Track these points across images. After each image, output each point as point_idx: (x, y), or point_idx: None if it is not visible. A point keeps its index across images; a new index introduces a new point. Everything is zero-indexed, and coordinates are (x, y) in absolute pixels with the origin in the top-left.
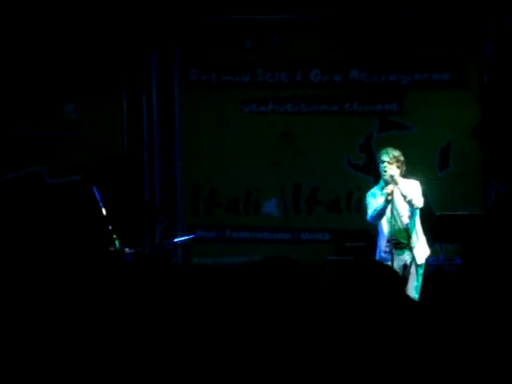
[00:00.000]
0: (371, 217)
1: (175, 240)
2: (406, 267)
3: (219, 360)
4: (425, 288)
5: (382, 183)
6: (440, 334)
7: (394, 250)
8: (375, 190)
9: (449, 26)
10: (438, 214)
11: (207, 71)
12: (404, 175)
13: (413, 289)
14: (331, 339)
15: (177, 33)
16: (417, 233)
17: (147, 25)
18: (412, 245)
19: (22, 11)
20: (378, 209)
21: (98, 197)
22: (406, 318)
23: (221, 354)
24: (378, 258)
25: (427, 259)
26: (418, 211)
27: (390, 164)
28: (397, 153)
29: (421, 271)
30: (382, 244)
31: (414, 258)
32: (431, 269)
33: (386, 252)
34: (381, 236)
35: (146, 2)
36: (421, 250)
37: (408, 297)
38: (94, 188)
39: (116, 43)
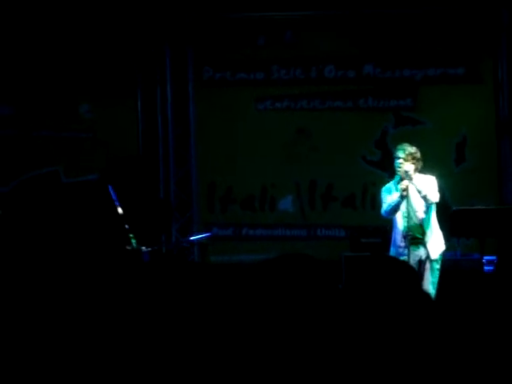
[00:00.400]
0: (385, 211)
1: (191, 238)
2: (421, 262)
3: (235, 358)
4: (442, 283)
5: (397, 178)
6: (457, 331)
7: (409, 246)
8: (390, 184)
9: (463, 20)
10: (454, 208)
11: (221, 69)
12: (420, 171)
13: (429, 284)
14: (347, 337)
15: (190, 31)
16: (432, 228)
17: (161, 23)
18: (426, 239)
19: (36, 15)
20: (393, 204)
21: (113, 196)
22: (422, 314)
23: (236, 352)
24: (393, 253)
25: (444, 254)
26: (433, 206)
27: (406, 161)
28: (413, 149)
29: (437, 266)
30: (398, 239)
31: (428, 254)
32: (448, 264)
33: (401, 247)
34: (396, 231)
35: (159, 0)
36: (435, 244)
37: (425, 292)
38: (110, 187)
39: (130, 42)
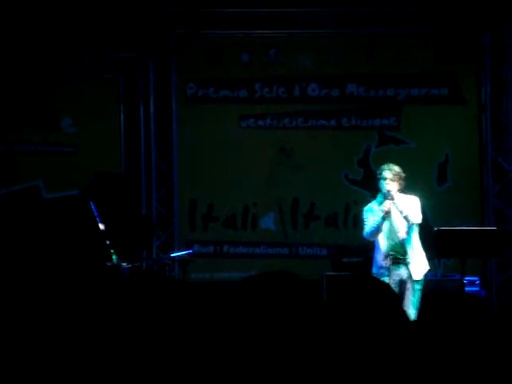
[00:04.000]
0: (367, 233)
1: (172, 255)
2: (402, 282)
3: (216, 376)
4: (423, 303)
5: (380, 198)
6: (437, 351)
7: (391, 266)
8: (373, 204)
9: (447, 40)
10: (436, 228)
11: (205, 86)
12: (402, 190)
13: (410, 304)
14: (327, 355)
15: (174, 47)
16: (414, 248)
17: (145, 39)
18: (408, 260)
19: (16, 27)
20: (374, 226)
21: (95, 212)
22: (400, 334)
23: (217, 370)
24: (374, 272)
25: (426, 274)
26: (415, 227)
27: (393, 181)
28: (398, 169)
29: (419, 287)
30: (379, 259)
31: (410, 274)
32: (429, 284)
33: (382, 267)
34: (377, 251)
35: (142, 17)
36: (418, 265)
37: (403, 313)
38: (91, 203)
39: (113, 57)
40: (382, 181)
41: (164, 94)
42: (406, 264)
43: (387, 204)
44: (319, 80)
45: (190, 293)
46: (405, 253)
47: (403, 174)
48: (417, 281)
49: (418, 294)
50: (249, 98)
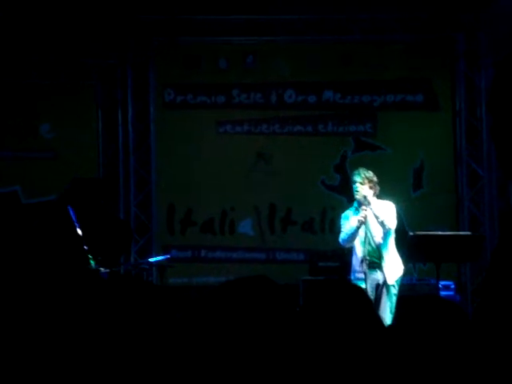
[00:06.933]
0: (343, 240)
1: (150, 260)
2: (378, 286)
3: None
4: (397, 308)
5: (355, 204)
6: (411, 355)
7: (367, 270)
8: (348, 211)
9: (421, 47)
10: (410, 233)
11: (183, 92)
12: (378, 196)
13: (385, 308)
14: (302, 360)
15: (151, 53)
16: (389, 252)
17: (123, 45)
18: (383, 264)
19: None
20: (350, 233)
21: (73, 217)
22: (374, 339)
23: (194, 374)
24: (352, 278)
25: (402, 279)
26: (391, 232)
27: (362, 185)
28: (369, 174)
29: (394, 291)
30: (356, 264)
31: (385, 278)
32: (405, 289)
33: (359, 272)
34: (354, 256)
35: (120, 23)
36: (391, 269)
37: (378, 317)
38: (69, 208)
39: (91, 62)
40: (353, 184)
41: (142, 99)
42: (382, 268)
43: (363, 212)
44: (296, 86)
45: (167, 297)
46: (380, 257)
47: (374, 178)
48: (393, 285)
49: (393, 299)
50: (226, 103)
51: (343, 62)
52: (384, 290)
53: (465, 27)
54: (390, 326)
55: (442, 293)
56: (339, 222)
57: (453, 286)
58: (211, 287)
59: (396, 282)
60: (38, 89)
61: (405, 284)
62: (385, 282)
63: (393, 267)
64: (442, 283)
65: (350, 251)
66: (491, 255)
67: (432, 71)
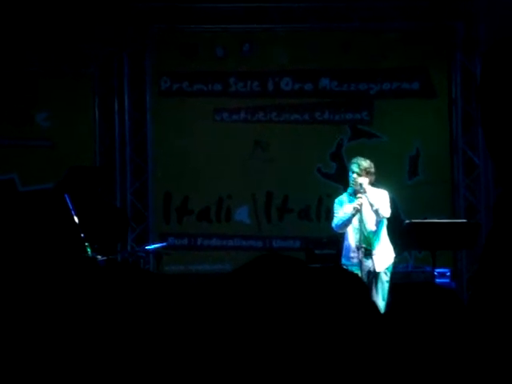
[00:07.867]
0: (336, 225)
1: (147, 247)
2: (370, 274)
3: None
4: (392, 295)
5: (350, 190)
6: (406, 343)
7: (362, 258)
8: (343, 196)
9: (418, 34)
10: (406, 221)
11: (179, 80)
12: (373, 184)
13: (379, 295)
14: (301, 347)
15: (149, 41)
16: (380, 240)
17: (119, 33)
18: (374, 251)
19: None
20: (344, 219)
21: (70, 205)
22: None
23: (206, 367)
24: (344, 263)
25: (396, 266)
26: (384, 220)
27: (359, 175)
28: (367, 164)
29: (386, 278)
30: (349, 251)
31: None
32: (400, 276)
33: (353, 258)
34: (347, 243)
35: (117, 11)
36: (382, 257)
37: (374, 304)
38: (66, 196)
39: (88, 50)
40: (350, 174)
41: (138, 87)
42: (372, 256)
43: (359, 200)
44: (293, 74)
45: (166, 285)
46: (372, 245)
47: (372, 169)
48: (384, 272)
49: (385, 286)
50: (223, 91)
51: (342, 50)
52: (376, 278)
53: (464, 16)
54: (384, 313)
55: (438, 280)
56: (333, 207)
57: (448, 274)
58: (207, 275)
59: (387, 269)
60: (35, 77)
61: (400, 272)
62: (375, 269)
63: (383, 255)
64: (437, 270)
65: (343, 237)
66: (485, 241)
67: (429, 59)
